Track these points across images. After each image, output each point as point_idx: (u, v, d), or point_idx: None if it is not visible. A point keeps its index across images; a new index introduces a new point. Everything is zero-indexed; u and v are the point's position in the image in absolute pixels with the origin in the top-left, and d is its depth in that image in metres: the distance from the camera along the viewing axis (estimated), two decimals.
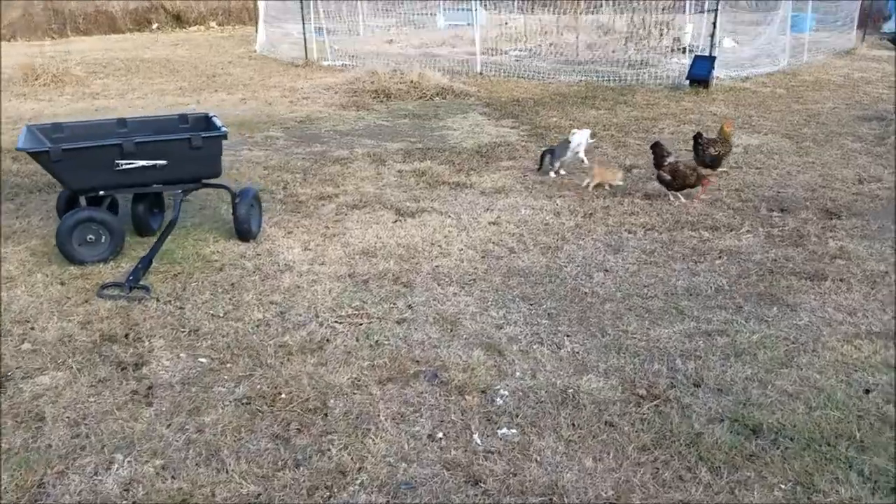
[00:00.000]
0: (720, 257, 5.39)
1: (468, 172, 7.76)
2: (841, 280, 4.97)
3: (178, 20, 26.68)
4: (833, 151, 8.70)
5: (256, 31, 19.14)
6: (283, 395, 3.54)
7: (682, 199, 6.69)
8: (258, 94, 12.51)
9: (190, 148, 5.08)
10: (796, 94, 12.78)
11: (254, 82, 13.73)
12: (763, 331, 4.26)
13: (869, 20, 21.59)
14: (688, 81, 12.78)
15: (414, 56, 15.86)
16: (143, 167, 5.03)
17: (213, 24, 26.87)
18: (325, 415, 3.40)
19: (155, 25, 25.31)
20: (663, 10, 15.99)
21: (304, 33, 16.18)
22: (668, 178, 6.64)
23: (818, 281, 4.95)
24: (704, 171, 6.79)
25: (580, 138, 7.73)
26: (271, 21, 18.77)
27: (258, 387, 3.62)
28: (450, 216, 6.32)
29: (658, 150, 6.79)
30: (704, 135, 7.65)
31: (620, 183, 7.10)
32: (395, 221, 6.18)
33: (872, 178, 7.48)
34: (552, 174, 7.55)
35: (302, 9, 15.85)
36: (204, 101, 11.79)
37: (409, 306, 4.58)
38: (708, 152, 7.45)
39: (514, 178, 7.55)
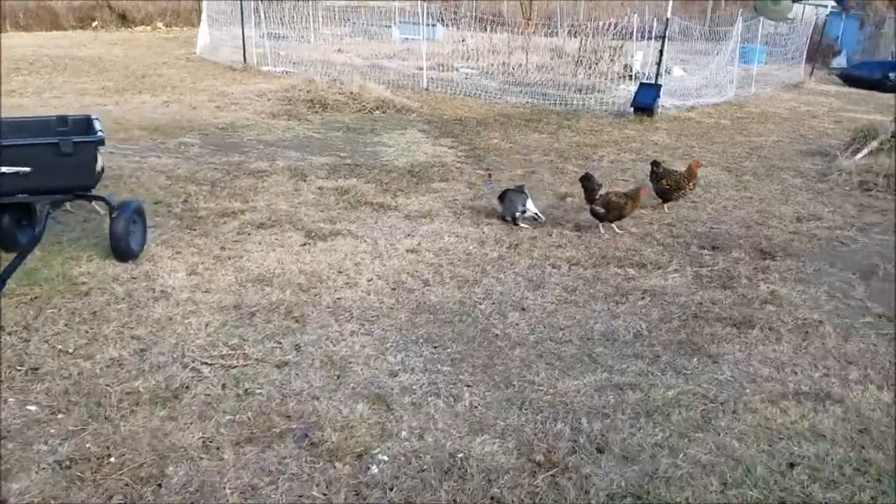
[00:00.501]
0: (643, 298, 5.00)
1: (395, 193, 7.29)
2: (770, 329, 4.62)
3: (124, 19, 25.72)
4: (773, 186, 8.49)
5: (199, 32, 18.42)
6: (112, 459, 2.97)
7: (617, 230, 6.33)
8: (184, 97, 11.85)
9: (58, 154, 4.48)
10: (741, 125, 12.68)
11: (184, 84, 13.05)
12: (680, 386, 3.85)
13: (818, 55, 21.97)
14: (632, 109, 12.56)
15: (360, 67, 15.39)
16: (3, 174, 4.41)
17: (159, 24, 25.98)
18: (159, 485, 2.85)
19: (95, 23, 24.27)
20: (613, 36, 15.84)
21: (244, 36, 15.56)
22: (602, 211, 6.26)
23: (745, 329, 4.60)
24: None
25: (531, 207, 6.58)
26: (217, 24, 18.08)
27: (87, 446, 3.05)
28: (365, 241, 5.83)
29: (588, 185, 6.41)
30: (662, 164, 7.41)
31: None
32: (303, 245, 5.66)
33: (811, 216, 7.24)
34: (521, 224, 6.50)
35: (241, 11, 15.25)
36: (125, 102, 11.08)
37: (296, 346, 4.06)
38: (660, 183, 7.13)
39: (443, 202, 7.10)
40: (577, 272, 5.43)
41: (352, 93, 12.18)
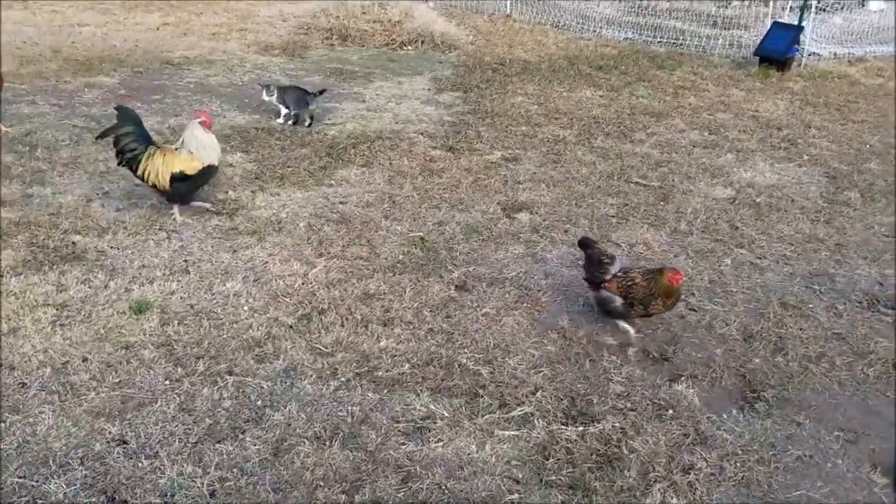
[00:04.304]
0: None
1: (267, 181, 5.30)
2: None
3: None
4: (857, 225, 5.25)
5: None
6: None
7: (632, 333, 3.72)
8: (197, 18, 10.29)
9: None
10: None
11: (214, 3, 11.50)
12: None
13: None
14: (757, 58, 9.07)
15: None
16: None
17: None
18: None
19: None
20: None
21: None
22: (619, 301, 3.58)
23: None
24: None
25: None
26: None
27: None
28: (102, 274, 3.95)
29: (592, 254, 3.75)
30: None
31: None
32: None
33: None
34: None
35: None
36: (117, 22, 9.76)
37: None
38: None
39: (323, 204, 5.00)
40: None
41: (390, 21, 9.92)
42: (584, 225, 4.97)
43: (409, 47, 9.57)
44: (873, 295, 4.19)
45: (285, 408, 3.05)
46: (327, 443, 2.87)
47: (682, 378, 3.39)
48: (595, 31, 10.83)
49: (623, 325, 3.68)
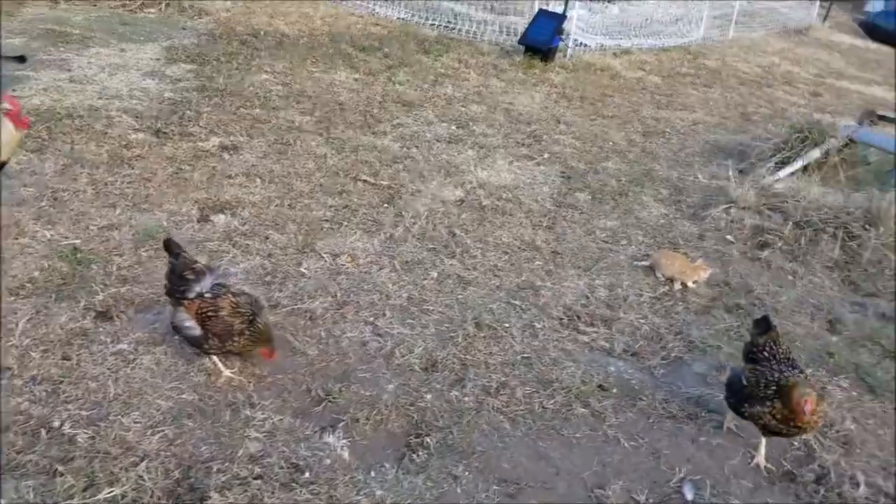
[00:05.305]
0: None
1: None
2: None
3: None
4: (607, 222, 5.17)
5: None
6: None
7: (226, 373, 3.10)
8: None
9: None
10: (671, 87, 9.06)
11: None
12: None
13: None
14: (522, 47, 8.96)
15: None
16: None
17: None
18: None
19: None
20: None
21: None
22: (197, 330, 2.95)
23: None
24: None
25: None
26: None
27: None
28: None
29: (176, 264, 3.00)
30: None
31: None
32: None
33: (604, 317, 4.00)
34: None
35: None
36: None
37: None
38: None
39: None
40: None
41: None
42: (291, 231, 4.39)
43: (152, 10, 8.41)
44: (575, 311, 3.99)
45: None
46: None
47: (341, 424, 2.91)
48: (369, 7, 10.23)
49: (212, 360, 3.09)
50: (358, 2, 10.30)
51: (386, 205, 4.90)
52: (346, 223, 4.58)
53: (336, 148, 5.67)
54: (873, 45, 15.21)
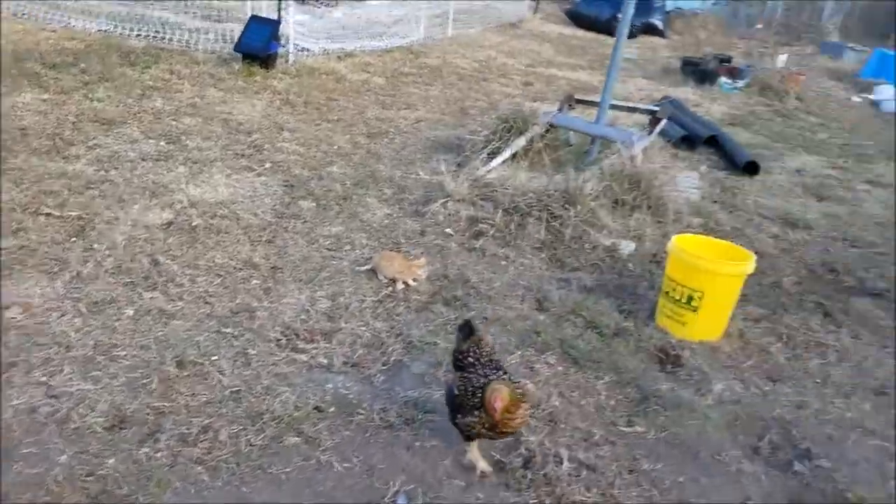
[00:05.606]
0: None
1: None
2: None
3: None
4: (331, 228, 5.03)
5: None
6: None
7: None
8: None
9: None
10: (394, 86, 9.22)
11: None
12: None
13: None
14: (240, 55, 8.55)
15: None
16: None
17: None
18: None
19: None
20: None
21: None
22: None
23: None
24: None
25: None
26: None
27: None
28: None
29: None
30: None
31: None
32: None
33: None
34: None
35: None
36: None
37: None
38: None
39: None
40: None
41: None
42: None
43: None
44: (294, 329, 3.78)
45: None
46: None
47: None
48: (63, 21, 9.14)
49: None
50: (50, 15, 9.17)
51: (74, 239, 4.32)
52: (19, 267, 3.94)
53: (14, 180, 4.91)
54: (580, 33, 16.85)
